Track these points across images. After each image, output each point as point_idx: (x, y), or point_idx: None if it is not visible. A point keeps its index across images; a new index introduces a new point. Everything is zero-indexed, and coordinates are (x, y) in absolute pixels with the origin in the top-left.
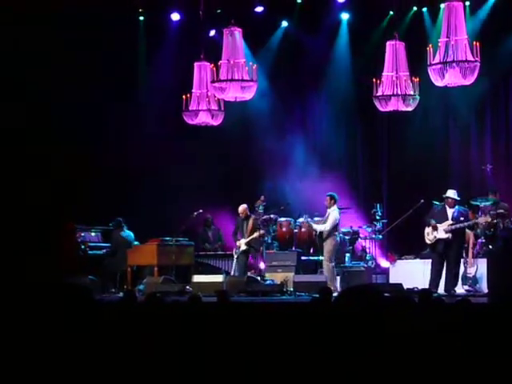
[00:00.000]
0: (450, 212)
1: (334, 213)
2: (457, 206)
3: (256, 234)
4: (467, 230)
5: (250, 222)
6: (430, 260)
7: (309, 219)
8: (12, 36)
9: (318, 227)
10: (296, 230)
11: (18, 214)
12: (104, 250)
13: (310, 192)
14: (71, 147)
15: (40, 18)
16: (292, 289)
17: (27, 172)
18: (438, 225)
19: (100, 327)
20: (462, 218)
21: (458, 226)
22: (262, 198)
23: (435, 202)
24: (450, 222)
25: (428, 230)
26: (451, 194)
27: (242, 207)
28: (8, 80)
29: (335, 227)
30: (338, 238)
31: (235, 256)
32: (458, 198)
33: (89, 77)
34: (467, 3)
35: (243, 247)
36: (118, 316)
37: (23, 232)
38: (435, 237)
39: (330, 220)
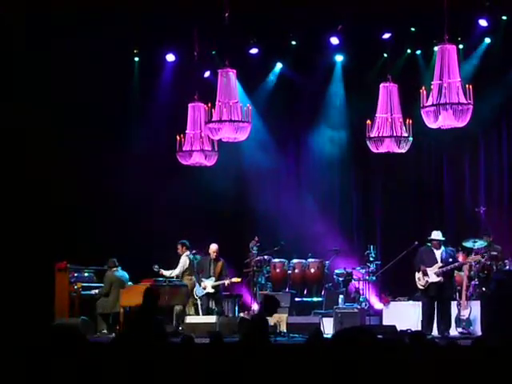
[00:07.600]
0: (437, 254)
1: (182, 258)
2: (443, 247)
3: (226, 282)
4: (460, 272)
5: (219, 264)
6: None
7: (157, 267)
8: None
9: (166, 273)
10: (290, 271)
11: (11, 253)
12: (96, 290)
13: (304, 232)
14: (64, 186)
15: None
16: (285, 330)
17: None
18: (427, 269)
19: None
20: (450, 259)
21: (448, 267)
22: (256, 238)
23: (428, 244)
24: (439, 264)
25: (419, 275)
26: (436, 235)
27: (215, 246)
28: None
29: (186, 272)
30: (193, 282)
31: (197, 297)
32: (443, 239)
33: (82, 117)
34: (460, 46)
35: (209, 290)
36: (109, 357)
37: (16, 270)
38: (427, 281)
39: (179, 265)
